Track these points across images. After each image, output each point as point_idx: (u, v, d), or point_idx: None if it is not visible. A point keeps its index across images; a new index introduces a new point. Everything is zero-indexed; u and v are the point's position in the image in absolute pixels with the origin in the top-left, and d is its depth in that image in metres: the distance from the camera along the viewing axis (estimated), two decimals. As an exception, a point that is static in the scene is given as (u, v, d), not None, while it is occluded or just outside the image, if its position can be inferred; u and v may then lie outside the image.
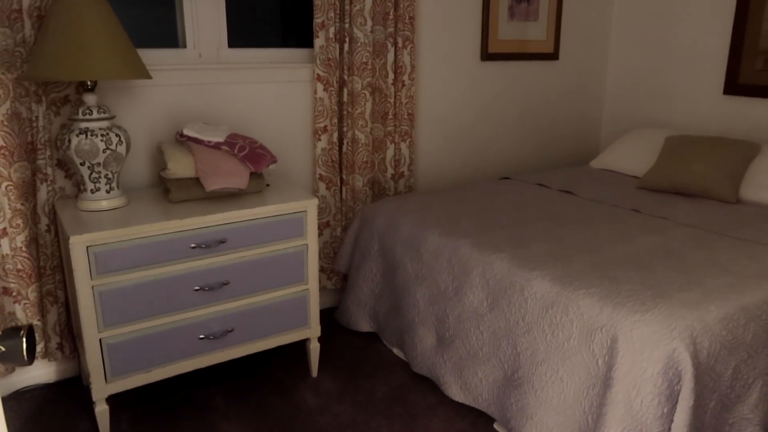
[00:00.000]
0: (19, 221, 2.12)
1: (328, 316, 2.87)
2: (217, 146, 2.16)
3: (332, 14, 2.55)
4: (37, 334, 2.23)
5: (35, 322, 2.21)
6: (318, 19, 2.53)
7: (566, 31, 3.57)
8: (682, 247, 2.02)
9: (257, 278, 2.10)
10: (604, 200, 2.62)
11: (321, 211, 2.76)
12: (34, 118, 2.06)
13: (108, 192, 2.03)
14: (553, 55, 3.54)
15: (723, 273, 1.79)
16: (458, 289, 2.05)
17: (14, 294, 2.16)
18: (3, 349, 0.71)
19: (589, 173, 3.14)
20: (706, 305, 1.58)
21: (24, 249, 2.14)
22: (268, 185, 2.34)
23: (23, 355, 0.71)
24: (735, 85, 3.17)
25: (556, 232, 2.18)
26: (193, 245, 1.96)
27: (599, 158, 3.31)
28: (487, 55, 3.24)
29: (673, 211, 2.45)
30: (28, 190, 2.12)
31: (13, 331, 0.71)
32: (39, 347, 2.24)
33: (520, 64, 3.42)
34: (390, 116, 2.84)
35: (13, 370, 2.26)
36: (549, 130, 3.67)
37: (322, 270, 2.85)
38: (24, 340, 0.71)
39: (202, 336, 2.04)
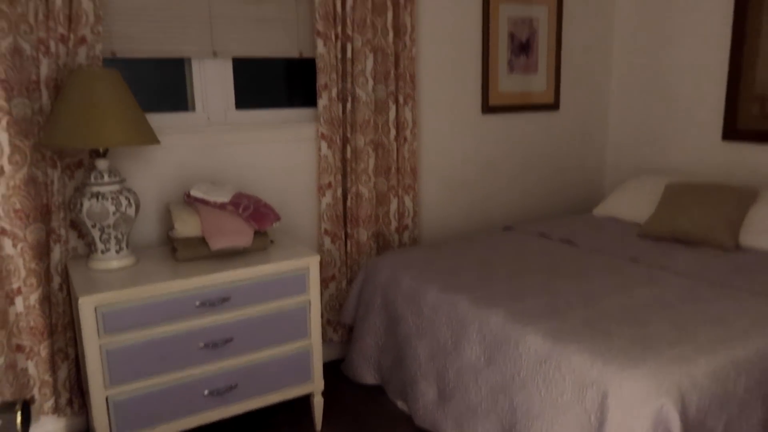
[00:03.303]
0: (33, 280, 2.20)
1: (335, 368, 2.89)
2: (222, 206, 2.24)
3: (334, 75, 2.67)
4: (47, 390, 2.29)
5: (46, 377, 2.27)
6: (321, 81, 2.65)
7: (566, 82, 3.66)
8: (677, 298, 2.04)
9: (260, 334, 2.16)
10: (603, 250, 2.65)
11: (326, 264, 2.82)
12: (49, 182, 2.17)
13: (117, 252, 2.12)
14: (554, 106, 3.62)
15: (715, 325, 1.81)
16: (457, 343, 2.08)
17: (27, 350, 2.23)
18: (0, 421, 0.77)
19: (591, 222, 3.18)
20: (696, 359, 1.60)
21: (37, 307, 2.22)
22: (272, 242, 2.41)
23: (17, 429, 0.77)
24: (734, 130, 3.22)
25: (552, 284, 2.21)
26: (198, 303, 2.02)
27: (601, 206, 3.35)
28: (487, 108, 3.33)
29: (672, 260, 2.47)
30: (42, 251, 2.21)
31: (9, 406, 0.77)
32: (49, 403, 2.30)
33: (521, 115, 3.51)
34: (393, 171, 2.92)
35: (25, 426, 2.31)
36: (552, 179, 3.72)
37: (328, 323, 2.89)
38: (18, 414, 0.77)
39: (207, 392, 2.09)
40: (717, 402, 1.54)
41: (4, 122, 2.08)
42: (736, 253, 2.57)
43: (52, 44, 2.09)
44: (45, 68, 2.09)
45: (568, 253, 2.63)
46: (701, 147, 3.40)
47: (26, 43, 2.07)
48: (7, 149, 2.10)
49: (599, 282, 2.23)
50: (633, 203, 3.20)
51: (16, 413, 0.78)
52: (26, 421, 0.79)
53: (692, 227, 2.71)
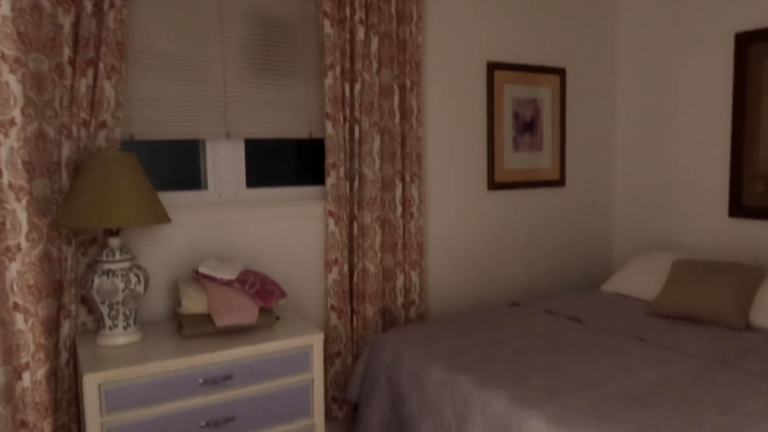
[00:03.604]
0: (42, 355, 2.23)
1: (339, 447, 2.84)
2: (229, 283, 2.28)
3: (342, 155, 2.76)
4: (48, 469, 2.27)
5: (48, 456, 2.26)
6: (329, 160, 2.74)
7: (571, 159, 3.74)
8: (684, 381, 2.01)
9: (262, 413, 2.15)
10: (610, 328, 2.63)
11: (332, 340, 2.82)
12: (63, 259, 2.23)
13: (125, 328, 2.15)
14: (560, 182, 3.68)
15: (722, 411, 1.77)
16: (460, 425, 2.05)
17: (30, 426, 2.23)
18: None
19: (599, 298, 3.17)
20: (701, 449, 1.56)
21: (44, 382, 2.23)
22: (278, 318, 2.44)
23: None
24: (739, 207, 3.24)
25: (557, 365, 2.20)
26: (201, 381, 2.03)
27: (610, 282, 3.35)
28: (493, 185, 3.39)
29: (680, 340, 2.44)
30: (52, 326, 2.25)
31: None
32: (49, 482, 2.27)
33: (527, 191, 3.57)
34: (399, 246, 2.96)
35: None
36: (560, 254, 3.74)
37: (333, 399, 2.86)
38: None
39: (206, 473, 2.06)
40: (724, 494, 1.50)
41: (24, 202, 2.16)
42: (745, 332, 2.54)
43: (74, 128, 2.20)
44: (66, 150, 2.20)
45: (575, 331, 2.61)
46: (708, 223, 3.41)
47: (50, 128, 2.18)
48: (25, 227, 2.17)
49: (605, 362, 2.20)
50: (640, 280, 3.19)
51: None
52: None
53: (701, 306, 2.69)
